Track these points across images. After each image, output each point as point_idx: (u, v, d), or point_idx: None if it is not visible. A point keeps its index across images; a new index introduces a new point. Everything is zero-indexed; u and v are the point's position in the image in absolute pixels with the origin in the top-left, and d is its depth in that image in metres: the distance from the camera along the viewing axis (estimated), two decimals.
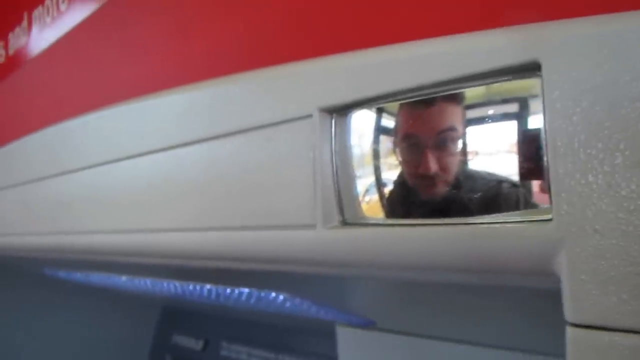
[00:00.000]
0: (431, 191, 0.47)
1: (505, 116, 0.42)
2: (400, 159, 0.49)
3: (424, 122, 0.47)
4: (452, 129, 0.45)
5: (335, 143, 0.51)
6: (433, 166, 0.46)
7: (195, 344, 1.50)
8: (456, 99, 0.44)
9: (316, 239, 0.51)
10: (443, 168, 0.45)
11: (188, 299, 1.17)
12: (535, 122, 0.40)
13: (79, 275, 1.22)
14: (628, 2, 0.35)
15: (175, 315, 1.59)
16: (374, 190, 0.50)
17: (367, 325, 0.85)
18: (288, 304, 0.85)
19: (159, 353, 1.60)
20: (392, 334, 0.84)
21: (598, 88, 0.35)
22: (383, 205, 0.50)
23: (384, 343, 0.86)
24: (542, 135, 0.38)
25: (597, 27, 0.36)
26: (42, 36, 1.08)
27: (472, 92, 0.43)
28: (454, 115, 0.45)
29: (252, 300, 0.89)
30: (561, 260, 0.36)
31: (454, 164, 0.45)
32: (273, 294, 0.83)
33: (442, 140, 0.46)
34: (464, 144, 0.44)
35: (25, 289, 1.48)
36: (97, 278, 1.17)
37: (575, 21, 0.37)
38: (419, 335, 0.81)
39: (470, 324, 0.71)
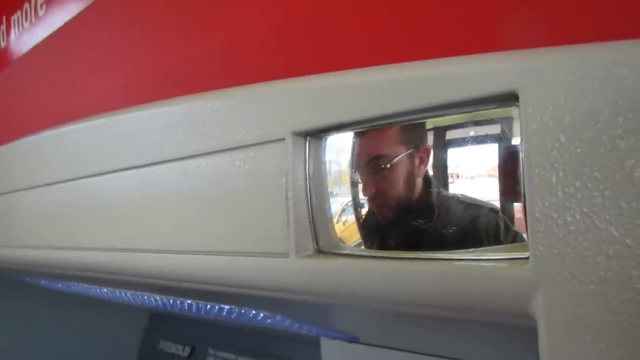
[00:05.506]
0: (387, 218, 0.46)
1: (481, 143, 0.40)
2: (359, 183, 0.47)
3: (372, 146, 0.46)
4: (381, 156, 0.45)
5: (309, 168, 0.49)
6: (370, 189, 0.46)
7: (183, 351, 1.49)
8: None
9: (289, 268, 0.49)
10: (381, 192, 0.45)
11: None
12: (512, 154, 0.38)
13: (60, 285, 1.20)
14: (612, 32, 0.33)
15: (162, 321, 1.57)
16: (350, 217, 0.48)
17: (351, 340, 0.84)
18: (269, 321, 0.84)
19: (146, 359, 1.58)
20: (376, 347, 0.83)
21: (578, 123, 0.33)
22: (360, 234, 0.48)
23: (369, 356, 0.84)
24: (520, 168, 0.36)
25: (580, 56, 0.33)
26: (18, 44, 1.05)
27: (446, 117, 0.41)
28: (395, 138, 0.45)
29: (234, 316, 0.87)
30: (537, 303, 0.34)
31: (394, 189, 0.44)
32: (253, 312, 0.81)
33: (373, 165, 0.46)
34: (443, 168, 0.42)
35: (7, 296, 1.45)
36: (79, 288, 1.14)
37: (556, 50, 0.35)
38: (404, 349, 0.79)
39: (456, 339, 0.69)
